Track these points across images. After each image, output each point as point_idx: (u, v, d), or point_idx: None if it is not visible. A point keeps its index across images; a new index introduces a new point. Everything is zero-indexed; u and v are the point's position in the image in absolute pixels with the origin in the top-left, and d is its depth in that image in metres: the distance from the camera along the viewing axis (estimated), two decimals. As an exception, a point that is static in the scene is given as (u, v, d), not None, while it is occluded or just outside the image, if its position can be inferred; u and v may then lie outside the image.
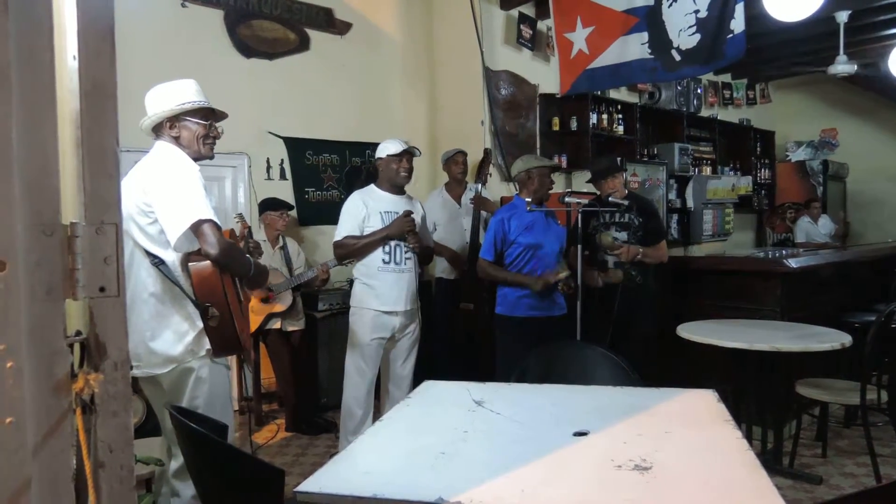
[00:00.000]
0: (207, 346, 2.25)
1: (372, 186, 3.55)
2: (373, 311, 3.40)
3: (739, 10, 3.96)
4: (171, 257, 2.21)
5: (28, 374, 0.80)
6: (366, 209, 3.41)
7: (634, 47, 4.50)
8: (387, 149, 3.44)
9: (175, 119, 2.30)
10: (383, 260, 3.40)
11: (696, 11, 4.15)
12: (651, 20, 4.39)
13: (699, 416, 1.84)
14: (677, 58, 4.31)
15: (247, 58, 4.75)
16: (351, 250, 3.41)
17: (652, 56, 4.44)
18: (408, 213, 3.41)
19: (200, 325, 2.21)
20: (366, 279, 3.43)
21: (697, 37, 4.19)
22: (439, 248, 4.64)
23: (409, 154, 3.44)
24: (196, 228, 2.14)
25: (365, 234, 3.40)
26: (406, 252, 3.45)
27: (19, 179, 0.79)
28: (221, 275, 2.19)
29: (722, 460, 1.52)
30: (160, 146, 2.31)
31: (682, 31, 4.24)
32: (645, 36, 4.44)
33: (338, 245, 3.44)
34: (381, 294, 3.40)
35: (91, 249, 0.88)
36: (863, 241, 8.18)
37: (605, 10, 4.61)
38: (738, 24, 3.98)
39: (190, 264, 2.18)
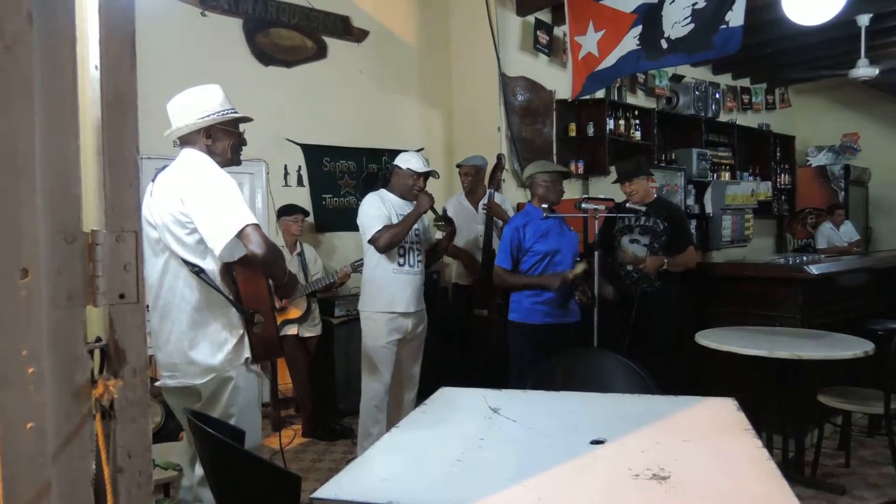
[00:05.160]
0: (247, 354, 2.24)
1: (383, 191, 3.58)
2: (388, 315, 3.44)
3: (739, 3, 3.80)
4: (211, 266, 2.19)
5: (49, 379, 0.81)
6: (384, 207, 3.46)
7: (629, 42, 4.44)
8: (410, 162, 3.49)
9: (210, 128, 2.26)
10: (398, 263, 3.46)
11: (695, 3, 4.05)
12: (649, 15, 4.31)
13: (718, 425, 1.82)
14: (664, 46, 4.22)
15: (265, 65, 4.80)
16: (394, 233, 3.36)
17: (639, 46, 4.37)
18: (423, 190, 3.48)
19: (240, 333, 2.21)
20: (379, 282, 3.46)
21: (690, 27, 4.08)
22: (457, 252, 4.65)
23: (428, 175, 3.52)
24: (241, 234, 2.11)
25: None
26: (418, 255, 3.54)
27: (42, 187, 0.81)
28: (266, 281, 2.19)
29: (742, 470, 1.50)
30: (189, 154, 2.25)
31: (677, 24, 4.15)
32: (639, 30, 4.38)
33: (378, 236, 3.36)
34: (396, 297, 3.44)
35: (111, 257, 0.89)
36: (886, 247, 8.05)
37: (615, 12, 4.56)
38: (735, 17, 3.83)
39: (237, 270, 2.18)
